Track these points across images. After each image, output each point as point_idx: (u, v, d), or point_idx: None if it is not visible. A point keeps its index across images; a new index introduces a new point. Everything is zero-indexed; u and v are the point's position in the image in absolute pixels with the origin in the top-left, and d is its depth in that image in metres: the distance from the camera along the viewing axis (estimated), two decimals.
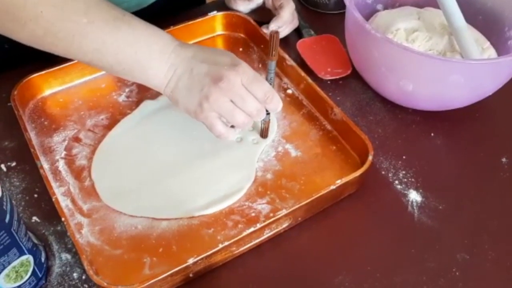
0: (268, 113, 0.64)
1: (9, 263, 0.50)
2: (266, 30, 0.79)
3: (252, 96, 0.60)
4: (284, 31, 0.80)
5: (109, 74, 0.74)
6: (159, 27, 0.73)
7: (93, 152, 0.66)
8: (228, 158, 0.66)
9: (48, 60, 0.72)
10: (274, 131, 0.69)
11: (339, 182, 0.60)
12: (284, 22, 0.79)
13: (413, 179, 0.66)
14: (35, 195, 0.62)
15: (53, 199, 0.58)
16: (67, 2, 0.55)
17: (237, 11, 0.81)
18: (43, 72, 0.71)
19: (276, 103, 0.62)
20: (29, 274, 0.52)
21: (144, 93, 0.73)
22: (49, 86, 0.72)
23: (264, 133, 0.68)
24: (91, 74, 0.74)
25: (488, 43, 0.74)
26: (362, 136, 0.64)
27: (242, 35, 0.82)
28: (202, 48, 0.61)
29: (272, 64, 0.62)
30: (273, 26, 0.78)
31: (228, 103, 0.59)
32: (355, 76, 0.76)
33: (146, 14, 0.82)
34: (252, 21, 0.80)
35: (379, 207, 0.63)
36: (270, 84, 0.63)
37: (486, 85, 0.68)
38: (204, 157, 0.66)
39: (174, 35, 0.77)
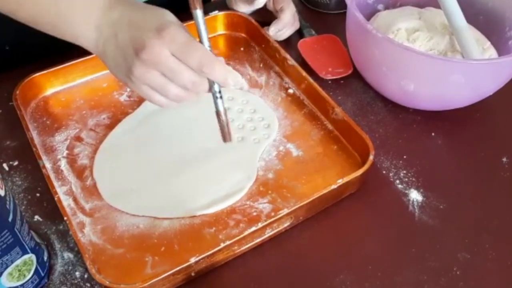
0: (219, 96, 0.54)
1: (12, 262, 0.50)
2: (268, 32, 0.79)
3: (185, 66, 0.50)
4: (285, 34, 0.80)
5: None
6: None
7: (94, 151, 0.66)
8: (230, 158, 0.66)
9: (50, 60, 0.72)
10: (275, 130, 0.69)
11: (340, 181, 0.60)
12: (285, 25, 0.79)
13: (414, 179, 0.66)
14: (37, 194, 0.63)
15: (55, 198, 0.58)
16: None
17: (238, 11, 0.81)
18: (45, 72, 0.71)
19: (219, 71, 0.50)
20: (31, 273, 0.53)
21: None
22: (51, 86, 0.72)
23: (222, 134, 0.56)
24: (93, 73, 0.74)
25: (488, 43, 0.75)
26: (363, 136, 0.64)
27: (243, 34, 0.82)
28: (131, 5, 0.52)
29: (198, 15, 0.51)
30: (273, 29, 0.78)
31: (157, 77, 0.51)
32: (356, 76, 0.76)
33: None
34: (253, 21, 0.80)
35: (380, 206, 0.64)
36: (208, 47, 0.51)
37: (487, 85, 0.68)
38: (206, 157, 0.66)
39: None
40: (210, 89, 0.54)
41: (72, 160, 0.65)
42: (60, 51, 0.74)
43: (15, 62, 0.74)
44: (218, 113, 0.56)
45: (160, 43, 0.49)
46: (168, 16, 0.51)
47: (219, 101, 0.55)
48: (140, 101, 0.72)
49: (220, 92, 0.54)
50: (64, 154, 0.66)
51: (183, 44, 0.49)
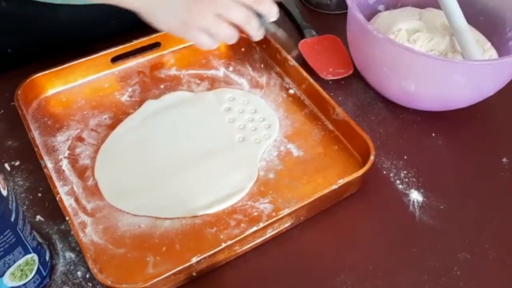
0: (263, 21, 0.63)
1: (14, 262, 0.50)
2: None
3: (237, 2, 0.58)
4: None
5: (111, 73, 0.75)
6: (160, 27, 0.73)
7: (96, 151, 0.66)
8: (231, 158, 0.66)
9: (51, 60, 0.72)
10: (276, 131, 0.69)
11: (341, 181, 0.60)
12: None
13: (414, 179, 0.66)
14: (39, 194, 0.63)
15: (57, 198, 0.58)
16: None
17: None
18: (46, 72, 0.71)
19: (268, 5, 0.59)
20: (33, 272, 0.53)
21: (147, 92, 0.74)
22: (52, 86, 0.73)
23: (285, 47, 0.69)
24: (94, 74, 0.74)
25: (489, 44, 0.75)
26: (363, 136, 0.64)
27: (244, 35, 0.82)
28: None
29: None
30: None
31: (212, 16, 0.58)
32: (357, 76, 0.76)
33: None
34: None
35: (380, 206, 0.64)
36: None
37: (487, 86, 0.69)
38: (207, 157, 0.66)
39: (175, 36, 0.78)
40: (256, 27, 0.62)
41: (73, 160, 0.66)
42: (61, 52, 0.75)
43: (16, 63, 0.74)
44: (274, 34, 0.67)
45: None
46: None
47: (270, 25, 0.64)
48: (141, 101, 0.72)
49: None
50: (66, 154, 0.66)
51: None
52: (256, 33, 0.63)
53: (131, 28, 0.73)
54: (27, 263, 0.51)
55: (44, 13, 0.73)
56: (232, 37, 0.60)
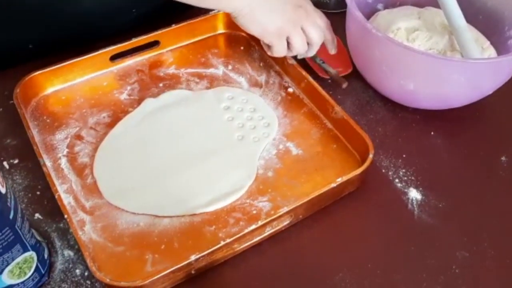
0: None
1: (13, 259, 0.50)
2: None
3: (317, 25, 0.69)
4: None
5: (111, 71, 0.75)
6: (160, 26, 0.74)
7: (95, 149, 0.66)
8: (230, 156, 0.66)
9: (50, 58, 0.72)
10: (275, 129, 0.69)
11: (339, 180, 0.60)
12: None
13: (413, 178, 0.66)
14: (38, 192, 0.63)
15: (56, 196, 0.58)
16: None
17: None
18: (45, 70, 0.71)
19: (332, 34, 0.72)
20: (32, 270, 0.53)
21: (146, 91, 0.74)
22: (51, 84, 0.73)
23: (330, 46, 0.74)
24: (93, 72, 0.74)
25: (488, 43, 0.75)
26: (362, 135, 0.64)
27: (243, 34, 0.82)
28: None
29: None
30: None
31: (300, 30, 0.67)
32: (356, 75, 0.76)
33: (151, 11, 0.82)
34: None
35: (379, 205, 0.64)
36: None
37: (486, 84, 0.69)
38: (206, 155, 0.66)
39: (175, 34, 0.78)
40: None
41: (72, 158, 0.66)
42: (60, 50, 0.75)
43: (16, 60, 0.74)
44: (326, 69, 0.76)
45: (314, 9, 0.70)
46: None
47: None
48: (140, 99, 0.72)
49: None
50: (65, 153, 0.66)
51: (327, 24, 0.72)
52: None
53: (152, 17, 0.77)
54: (25, 261, 0.51)
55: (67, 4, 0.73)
56: (301, 52, 0.70)
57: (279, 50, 0.69)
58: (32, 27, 0.74)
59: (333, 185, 0.60)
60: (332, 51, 0.74)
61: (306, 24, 0.68)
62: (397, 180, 0.66)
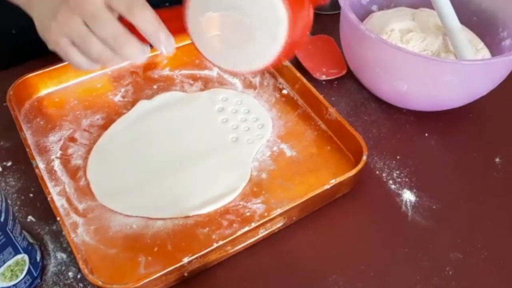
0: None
1: (4, 262, 0.50)
2: None
3: (111, 16, 0.45)
4: None
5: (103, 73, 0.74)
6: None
7: (88, 152, 0.66)
8: (223, 158, 0.66)
9: (44, 60, 0.72)
10: (269, 131, 0.69)
11: (333, 181, 0.60)
12: None
13: (407, 179, 0.66)
14: (31, 195, 0.63)
15: (49, 199, 0.58)
16: None
17: None
18: (39, 72, 0.71)
19: (149, 17, 0.45)
20: (24, 273, 0.53)
21: (139, 93, 0.73)
22: (45, 86, 0.72)
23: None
24: (86, 74, 0.74)
25: (482, 44, 0.75)
26: (356, 136, 0.64)
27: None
28: None
29: None
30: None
31: (81, 25, 0.45)
32: (350, 76, 0.76)
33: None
34: None
35: (373, 206, 0.64)
36: None
37: (480, 86, 0.69)
38: (199, 157, 0.66)
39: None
40: (136, 53, 0.47)
41: (65, 160, 0.65)
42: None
43: (10, 61, 0.74)
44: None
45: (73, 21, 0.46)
46: None
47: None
48: (134, 101, 0.72)
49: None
50: (58, 155, 0.66)
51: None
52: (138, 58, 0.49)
53: None
54: (17, 264, 0.51)
55: None
56: (105, 58, 0.46)
57: (72, 62, 0.49)
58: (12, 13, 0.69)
59: (327, 186, 0.60)
60: (162, 49, 0.48)
61: (85, 15, 0.46)
62: (391, 182, 0.66)
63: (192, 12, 0.43)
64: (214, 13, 0.43)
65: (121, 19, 0.46)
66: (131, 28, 0.46)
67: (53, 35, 0.47)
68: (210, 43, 0.45)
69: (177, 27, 0.46)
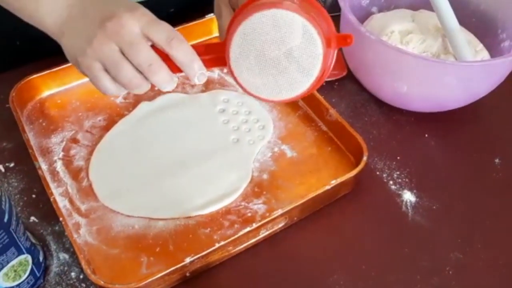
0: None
1: (8, 262, 0.50)
2: None
3: (147, 44, 0.47)
4: None
5: None
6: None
7: (90, 153, 0.67)
8: (225, 159, 0.66)
9: (46, 62, 0.72)
10: (270, 132, 0.70)
11: (334, 182, 0.61)
12: None
13: (407, 180, 0.66)
14: (33, 196, 0.63)
15: (51, 199, 0.58)
16: None
17: None
18: (41, 74, 0.72)
19: (187, 49, 0.47)
20: (27, 273, 0.53)
21: (141, 94, 0.74)
22: (47, 88, 0.73)
23: None
24: None
25: (481, 45, 0.75)
26: (357, 137, 0.65)
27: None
28: None
29: None
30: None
31: (115, 52, 0.47)
32: (350, 78, 0.77)
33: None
34: None
35: (373, 207, 0.64)
36: None
37: (479, 87, 0.69)
38: (201, 158, 0.66)
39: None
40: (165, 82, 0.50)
41: (68, 161, 0.66)
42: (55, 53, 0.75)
43: (12, 63, 0.74)
44: None
45: (130, 15, 0.47)
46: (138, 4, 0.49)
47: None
48: (135, 103, 0.72)
49: None
50: (60, 156, 0.66)
51: (153, 20, 0.48)
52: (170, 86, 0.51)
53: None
54: (20, 264, 0.52)
55: None
56: (136, 85, 0.49)
57: (100, 87, 0.50)
58: (14, 21, 0.71)
59: (328, 187, 0.60)
60: (195, 80, 0.50)
61: (122, 42, 0.47)
62: (391, 182, 0.66)
63: (235, 50, 0.47)
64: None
65: (154, 48, 0.49)
66: (163, 58, 0.49)
67: (87, 59, 0.48)
68: (247, 77, 0.49)
69: (210, 61, 0.50)
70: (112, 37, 0.47)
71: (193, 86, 0.75)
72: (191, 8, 0.84)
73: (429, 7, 0.74)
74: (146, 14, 0.48)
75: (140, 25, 0.47)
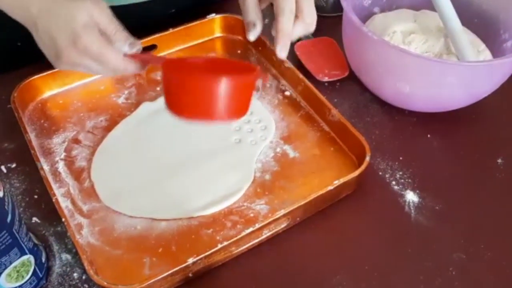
0: None
1: (11, 263, 0.50)
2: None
3: (109, 55, 0.54)
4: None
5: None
6: (157, 30, 0.72)
7: (92, 153, 0.66)
8: (227, 159, 0.66)
9: (47, 62, 0.72)
10: (272, 132, 0.70)
11: (336, 182, 0.61)
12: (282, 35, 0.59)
13: (410, 180, 0.66)
14: (35, 196, 0.63)
15: (53, 200, 0.58)
16: None
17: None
18: (43, 74, 0.71)
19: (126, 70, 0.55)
20: (30, 274, 0.53)
21: (143, 94, 0.74)
22: (49, 88, 0.73)
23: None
24: (90, 76, 0.74)
25: (483, 46, 0.75)
26: (359, 138, 0.65)
27: (240, 37, 0.83)
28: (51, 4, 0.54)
29: None
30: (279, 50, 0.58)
31: (88, 62, 0.54)
32: (353, 78, 0.77)
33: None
34: None
35: (376, 207, 0.64)
36: None
37: (482, 87, 0.69)
38: (203, 158, 0.66)
39: (173, 38, 0.79)
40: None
41: (70, 162, 0.66)
42: None
43: (14, 63, 0.74)
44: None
45: (75, 53, 0.53)
46: (81, 17, 0.52)
47: None
48: (137, 103, 0.72)
49: None
50: (62, 156, 0.66)
51: (96, 55, 0.53)
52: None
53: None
54: (23, 265, 0.51)
55: None
56: (125, 68, 0.55)
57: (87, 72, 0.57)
58: (15, 22, 0.72)
59: (330, 187, 0.60)
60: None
61: (85, 63, 0.54)
62: (394, 183, 0.66)
63: None
64: None
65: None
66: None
67: (63, 67, 0.55)
68: None
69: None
70: (78, 60, 0.53)
71: None
72: (192, 8, 0.84)
73: (431, 7, 0.74)
74: (87, 50, 0.53)
75: (89, 57, 0.53)
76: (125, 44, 0.54)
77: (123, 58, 0.55)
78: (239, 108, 0.51)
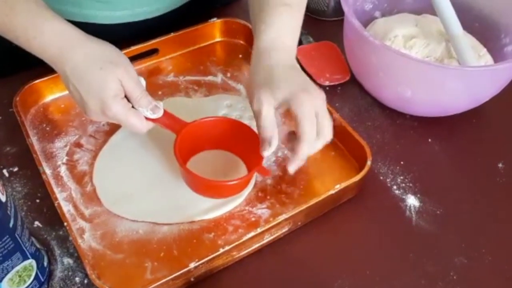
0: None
1: (13, 268, 0.50)
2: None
3: (133, 121, 0.60)
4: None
5: None
6: (159, 34, 0.72)
7: (94, 157, 0.67)
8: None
9: (50, 67, 0.72)
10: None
11: (338, 187, 0.61)
12: (301, 160, 0.58)
13: (411, 184, 0.66)
14: (37, 200, 0.63)
15: (55, 204, 0.58)
16: None
17: None
18: (45, 78, 0.72)
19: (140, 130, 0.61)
20: (32, 278, 0.53)
21: None
22: (51, 92, 0.73)
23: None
24: None
25: (484, 50, 0.75)
26: (360, 142, 0.65)
27: (241, 41, 0.83)
28: (85, 62, 0.58)
29: None
30: (291, 168, 0.59)
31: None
32: (354, 82, 0.77)
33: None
34: (251, 27, 0.80)
35: (377, 211, 0.64)
36: None
37: (483, 91, 0.69)
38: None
39: (174, 42, 0.79)
40: None
41: (72, 166, 0.66)
42: None
43: (15, 67, 0.74)
44: None
45: (103, 117, 0.60)
46: (111, 85, 0.57)
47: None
48: None
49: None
50: (64, 160, 0.66)
51: (122, 121, 0.60)
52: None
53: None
54: (25, 269, 0.52)
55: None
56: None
57: (129, 125, 0.61)
58: None
59: (332, 192, 0.60)
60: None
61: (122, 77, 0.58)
62: (395, 187, 0.66)
63: None
64: None
65: None
66: None
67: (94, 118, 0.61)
68: None
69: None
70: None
71: (196, 90, 0.75)
72: (194, 12, 0.84)
73: (432, 12, 0.74)
74: (116, 118, 0.59)
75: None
76: (147, 109, 0.60)
77: (146, 122, 0.60)
78: (240, 188, 0.61)
